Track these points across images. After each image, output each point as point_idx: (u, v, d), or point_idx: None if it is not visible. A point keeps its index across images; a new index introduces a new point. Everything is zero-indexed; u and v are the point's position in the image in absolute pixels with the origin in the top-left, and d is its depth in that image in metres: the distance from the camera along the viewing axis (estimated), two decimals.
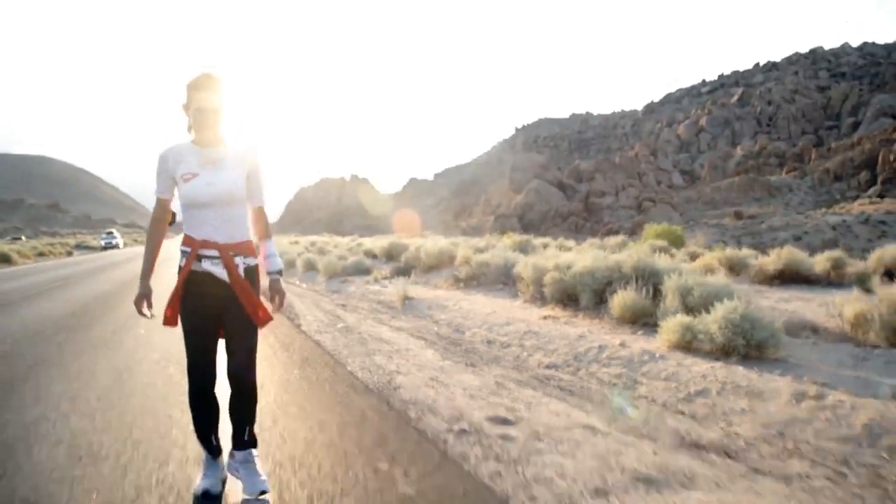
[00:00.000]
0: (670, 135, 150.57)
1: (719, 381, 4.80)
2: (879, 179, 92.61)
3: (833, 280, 11.89)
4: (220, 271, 2.83)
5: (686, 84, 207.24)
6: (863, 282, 10.01)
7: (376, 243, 22.28)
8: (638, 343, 6.19)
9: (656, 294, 7.40)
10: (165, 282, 3.01)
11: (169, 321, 2.86)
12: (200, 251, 2.83)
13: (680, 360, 5.46)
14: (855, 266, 12.75)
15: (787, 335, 6.48)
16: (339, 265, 15.85)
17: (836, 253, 13.50)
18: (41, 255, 37.95)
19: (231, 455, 3.05)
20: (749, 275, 12.73)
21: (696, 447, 3.61)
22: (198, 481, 2.96)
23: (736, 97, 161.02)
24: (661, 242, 22.60)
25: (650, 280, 7.80)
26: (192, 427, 2.99)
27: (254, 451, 3.00)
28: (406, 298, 10.70)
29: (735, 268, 13.49)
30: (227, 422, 3.03)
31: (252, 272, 2.95)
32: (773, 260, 12.38)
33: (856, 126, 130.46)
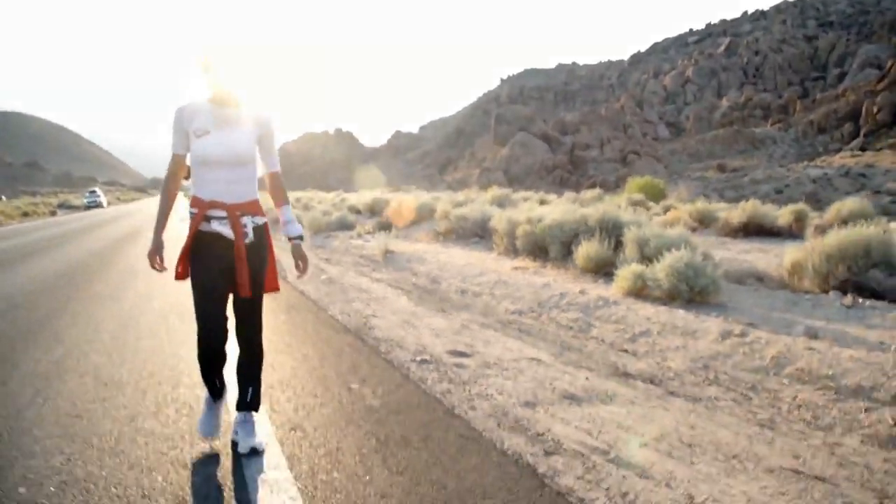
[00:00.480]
0: (656, 86, 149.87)
1: (661, 322, 5.39)
2: (862, 132, 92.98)
3: (795, 232, 12.52)
4: (227, 231, 2.87)
5: (673, 33, 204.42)
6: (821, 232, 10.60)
7: (360, 199, 22.67)
8: (596, 290, 6.76)
9: (618, 245, 7.95)
10: (173, 236, 3.11)
11: (179, 276, 2.93)
12: (209, 212, 2.87)
13: (630, 305, 6.04)
14: (817, 219, 13.39)
15: (735, 283, 7.10)
16: (323, 221, 16.29)
17: (800, 206, 14.14)
18: (25, 214, 37.84)
19: (234, 417, 3.15)
20: (717, 227, 13.34)
21: (626, 375, 4.21)
22: (199, 418, 3.17)
23: (723, 47, 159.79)
24: (638, 196, 23.17)
25: (613, 232, 8.35)
26: (197, 363, 3.07)
27: (253, 413, 3.09)
28: (387, 252, 11.20)
29: (704, 220, 14.11)
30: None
31: (261, 231, 3.00)
32: (738, 213, 12.98)
33: (842, 77, 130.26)
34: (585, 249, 7.93)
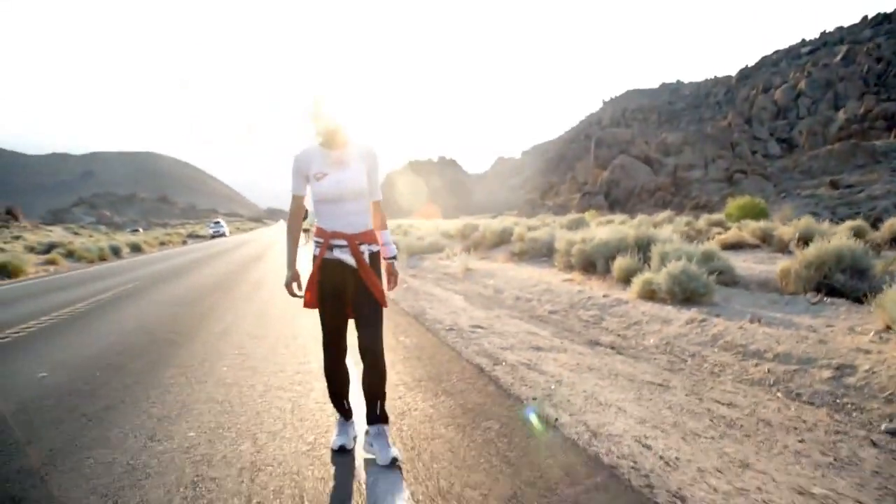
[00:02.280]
0: (766, 101, 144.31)
1: (652, 315, 7.03)
2: None
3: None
4: (348, 258, 3.17)
5: (783, 45, 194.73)
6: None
7: (453, 225, 24.86)
8: (618, 294, 8.43)
9: (648, 259, 9.53)
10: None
11: (308, 303, 3.28)
12: (332, 241, 3.19)
13: (637, 304, 7.69)
14: (871, 235, 14.18)
15: (741, 287, 8.57)
16: (417, 245, 18.54)
17: (859, 223, 14.93)
18: (162, 244, 43.32)
19: (366, 432, 3.38)
20: (773, 244, 14.38)
21: (595, 344, 5.98)
22: (333, 437, 3.48)
23: (840, 56, 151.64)
24: (736, 215, 23.95)
25: (647, 248, 9.94)
26: (326, 388, 3.47)
27: (385, 426, 3.32)
28: (466, 270, 13.18)
29: (766, 238, 15.15)
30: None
31: (375, 257, 3.31)
32: (790, 231, 14.01)
33: None
34: (619, 263, 9.58)
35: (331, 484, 2.94)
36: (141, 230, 79.06)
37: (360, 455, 3.25)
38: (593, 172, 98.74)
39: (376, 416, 3.31)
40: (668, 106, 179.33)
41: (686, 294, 7.51)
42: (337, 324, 3.30)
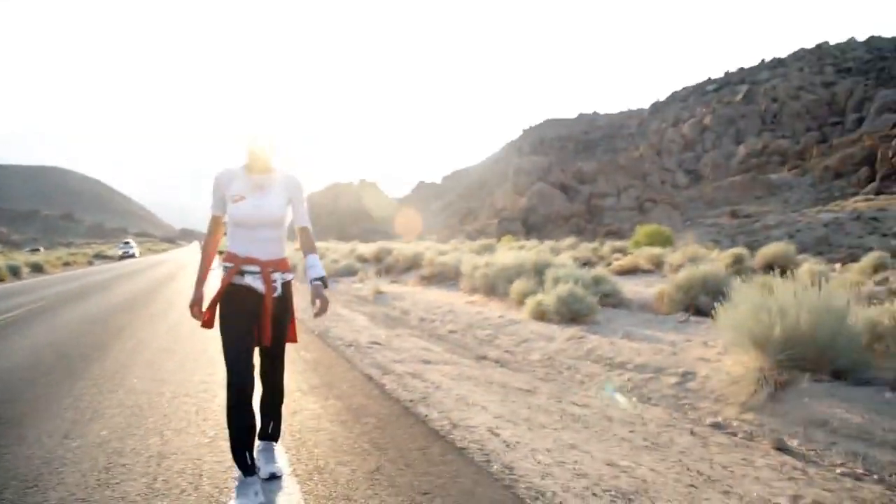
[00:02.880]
0: (675, 134, 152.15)
1: (538, 333, 7.67)
2: (878, 176, 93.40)
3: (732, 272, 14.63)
4: (259, 285, 3.11)
5: (692, 82, 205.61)
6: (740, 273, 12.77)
7: (368, 249, 25.21)
8: (512, 315, 9.07)
9: (544, 282, 10.24)
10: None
11: (206, 324, 3.17)
12: (243, 266, 3.11)
13: (528, 324, 8.33)
14: (749, 261, 15.53)
15: (623, 308, 9.36)
16: (331, 268, 18.80)
17: (740, 251, 16.31)
18: (66, 264, 41.45)
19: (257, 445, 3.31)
20: (664, 269, 15.51)
21: (483, 358, 6.54)
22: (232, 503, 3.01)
23: (741, 95, 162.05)
24: (642, 242, 25.38)
25: (543, 272, 10.65)
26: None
27: (274, 443, 3.42)
28: (377, 293, 13.58)
29: (659, 264, 16.29)
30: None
31: (287, 286, 3.26)
32: (679, 257, 15.18)
33: (860, 122, 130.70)
34: (516, 286, 10.24)
35: None
36: (41, 249, 75.04)
37: None
38: (511, 199, 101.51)
39: (268, 433, 3.35)
40: (585, 136, 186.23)
41: (572, 314, 8.20)
42: (243, 355, 3.06)
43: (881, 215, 62.62)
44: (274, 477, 3.25)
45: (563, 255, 16.01)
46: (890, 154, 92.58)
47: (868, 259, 16.22)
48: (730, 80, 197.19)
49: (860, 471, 3.42)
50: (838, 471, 3.43)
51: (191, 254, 58.99)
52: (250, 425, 3.09)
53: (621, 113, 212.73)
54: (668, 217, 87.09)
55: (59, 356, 6.76)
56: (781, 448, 3.81)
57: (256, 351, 3.17)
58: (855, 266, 16.63)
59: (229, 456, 3.15)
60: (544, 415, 4.24)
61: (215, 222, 3.30)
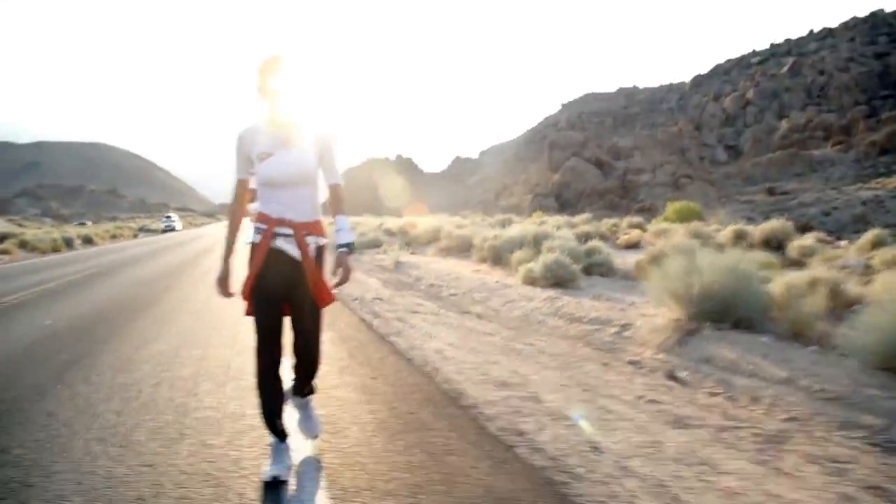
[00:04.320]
0: (716, 109, 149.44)
1: (523, 295, 8.84)
2: None
3: (726, 245, 15.53)
4: (293, 249, 2.93)
5: (735, 54, 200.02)
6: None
7: (395, 223, 26.57)
8: (508, 280, 10.25)
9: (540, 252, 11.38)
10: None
11: (247, 296, 3.04)
12: (276, 229, 2.94)
13: (519, 287, 9.50)
14: (750, 236, 16.36)
15: (606, 276, 10.48)
16: (358, 241, 20.17)
17: (742, 227, 17.13)
18: (113, 237, 44.03)
19: (289, 396, 3.31)
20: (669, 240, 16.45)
21: (467, 313, 7.79)
22: (266, 468, 3.02)
23: (786, 67, 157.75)
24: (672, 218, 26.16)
25: (541, 243, 11.79)
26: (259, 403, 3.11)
27: (311, 398, 3.36)
28: (397, 262, 14.87)
29: (660, 236, 17.24)
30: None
31: (321, 252, 3.07)
32: (683, 230, 16.11)
33: None
34: (516, 256, 11.41)
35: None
36: (89, 223, 78.47)
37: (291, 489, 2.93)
38: (546, 174, 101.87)
39: (302, 392, 3.30)
40: (624, 110, 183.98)
41: (556, 279, 9.35)
42: (272, 323, 3.02)
43: None
44: (315, 437, 3.38)
45: (572, 230, 17.06)
46: None
47: (868, 236, 16.86)
48: (775, 52, 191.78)
49: (719, 391, 4.56)
50: (703, 391, 4.57)
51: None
52: (280, 391, 3.13)
53: (661, 86, 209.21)
54: (704, 194, 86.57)
55: (122, 305, 8.43)
56: (672, 377, 4.95)
57: (288, 321, 3.10)
58: (858, 242, 17.30)
59: (250, 360, 3.43)
60: (490, 347, 5.49)
61: (241, 186, 3.12)
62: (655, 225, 22.17)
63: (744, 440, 3.42)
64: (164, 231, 60.27)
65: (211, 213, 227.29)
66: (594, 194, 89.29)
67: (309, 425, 3.34)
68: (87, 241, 35.78)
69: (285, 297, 3.02)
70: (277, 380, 3.10)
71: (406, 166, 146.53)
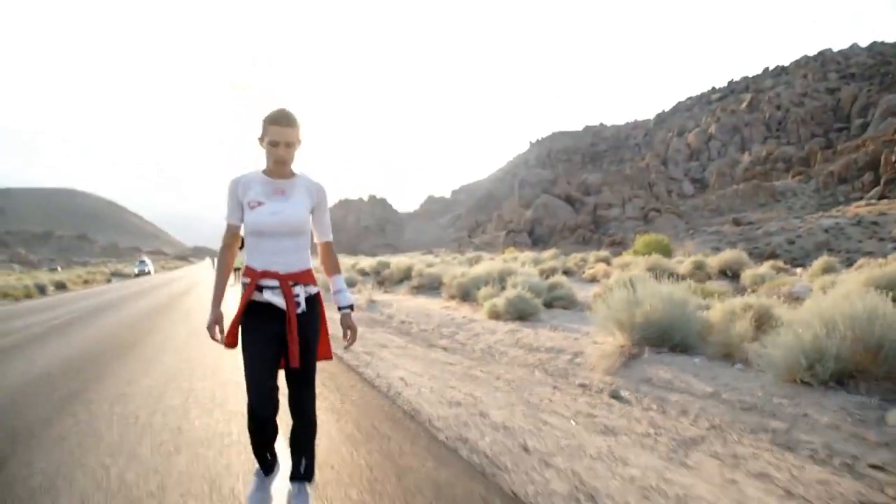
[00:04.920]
0: (681, 144, 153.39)
1: (488, 328, 9.39)
2: (882, 181, 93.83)
3: (683, 276, 16.27)
4: (279, 300, 2.89)
5: (696, 92, 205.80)
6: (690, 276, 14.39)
7: (369, 262, 27.07)
8: (475, 316, 10.79)
9: (504, 288, 11.96)
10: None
11: (228, 344, 3.00)
12: (260, 281, 2.90)
13: (484, 322, 10.05)
14: (709, 267, 17.16)
15: (567, 308, 11.07)
16: None
17: (699, 258, 17.94)
18: (86, 282, 43.74)
19: (289, 489, 3.16)
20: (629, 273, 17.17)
21: (433, 346, 8.31)
22: (249, 493, 3.12)
23: (745, 103, 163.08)
24: (603, 254, 26.99)
25: (506, 279, 12.39)
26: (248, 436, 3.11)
27: (308, 484, 3.14)
28: (370, 301, 15.35)
29: (623, 269, 17.96)
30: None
31: (313, 301, 3.04)
32: (643, 263, 16.85)
33: (865, 127, 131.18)
34: (482, 292, 11.98)
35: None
36: (59, 269, 77.52)
37: None
38: (518, 211, 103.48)
39: (300, 473, 3.11)
40: (591, 147, 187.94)
41: (519, 313, 9.93)
42: (265, 377, 2.93)
43: (882, 220, 63.37)
44: None
45: (538, 266, 17.73)
46: (893, 159, 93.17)
47: (819, 262, 17.77)
48: (734, 89, 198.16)
49: (653, 406, 5.12)
50: (639, 407, 5.13)
51: (203, 270, 61.38)
52: (272, 437, 3.13)
53: (627, 124, 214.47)
54: (673, 226, 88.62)
55: (107, 347, 8.85)
56: (614, 396, 5.50)
57: (282, 375, 3.03)
58: (810, 269, 18.20)
59: (233, 390, 4.83)
60: (450, 375, 6.02)
61: (231, 233, 3.08)
62: (624, 258, 22.92)
63: (661, 444, 3.98)
64: (138, 275, 59.65)
65: (183, 256, 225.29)
66: (566, 229, 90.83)
67: None
68: (61, 286, 35.61)
69: (277, 348, 2.95)
70: (270, 427, 3.07)
71: (379, 205, 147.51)
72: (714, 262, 16.71)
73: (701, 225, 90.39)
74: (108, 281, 48.24)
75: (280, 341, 2.92)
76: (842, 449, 3.78)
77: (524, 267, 14.30)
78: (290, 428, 3.10)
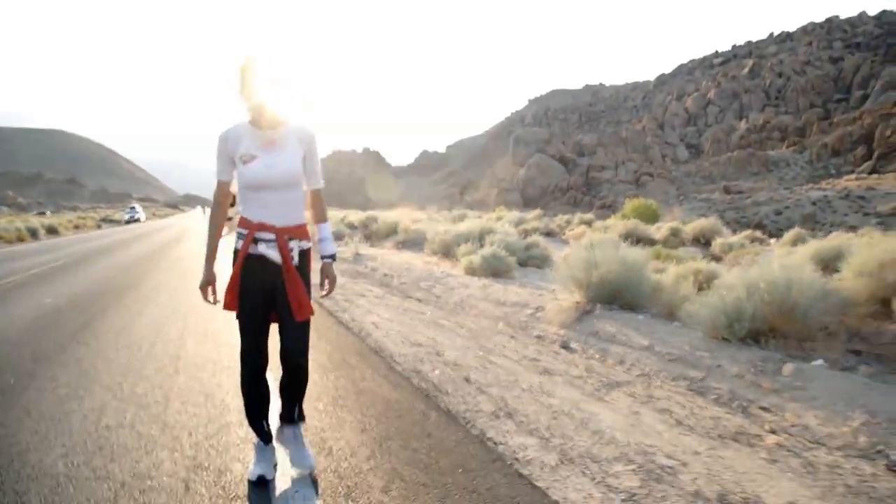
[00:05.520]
0: (679, 108, 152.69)
1: (463, 283, 10.02)
2: (874, 155, 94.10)
3: (660, 241, 16.94)
4: (274, 254, 2.88)
5: (699, 54, 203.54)
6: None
7: (358, 217, 27.58)
8: (453, 271, 11.41)
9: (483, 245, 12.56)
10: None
11: (229, 305, 2.99)
12: (257, 234, 2.88)
13: (461, 277, 10.67)
14: (684, 234, 17.82)
15: (541, 267, 11.70)
16: None
17: (676, 224, 18.58)
18: (76, 227, 44.09)
19: (279, 429, 3.23)
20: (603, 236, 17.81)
21: (409, 297, 8.94)
22: (251, 466, 3.12)
23: (747, 69, 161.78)
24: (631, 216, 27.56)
25: (485, 238, 12.99)
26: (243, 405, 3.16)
27: (301, 425, 3.21)
28: (356, 254, 15.93)
29: (604, 232, 18.58)
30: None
31: (305, 256, 3.04)
32: (621, 227, 17.48)
33: (865, 99, 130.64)
34: (462, 249, 12.57)
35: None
36: (48, 213, 77.34)
37: (280, 485, 3.07)
38: (511, 170, 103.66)
39: (292, 417, 3.17)
40: (589, 107, 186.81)
41: (493, 270, 10.55)
42: (258, 329, 3.00)
43: (869, 194, 64.01)
44: (311, 470, 3.14)
45: (522, 227, 18.33)
46: (888, 133, 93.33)
47: (790, 234, 18.46)
48: (737, 54, 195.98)
49: (596, 355, 5.77)
50: (584, 356, 5.78)
51: (193, 219, 61.78)
52: (265, 395, 3.15)
53: (627, 85, 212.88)
54: (664, 191, 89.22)
55: (107, 287, 9.54)
56: (564, 346, 6.15)
57: (275, 326, 3.04)
58: (782, 240, 18.90)
59: (224, 326, 5.44)
60: (419, 322, 6.66)
61: (222, 189, 3.04)
62: (607, 222, 23.53)
63: (588, 384, 4.64)
64: (128, 222, 59.56)
65: (174, 204, 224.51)
66: (558, 190, 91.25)
67: (302, 457, 3.17)
68: (52, 231, 35.98)
69: (271, 303, 2.97)
70: (263, 384, 3.13)
71: (373, 159, 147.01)
72: (689, 229, 17.35)
73: (692, 191, 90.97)
74: (99, 227, 48.52)
75: (271, 295, 2.95)
76: (742, 394, 4.44)
77: (505, 227, 14.91)
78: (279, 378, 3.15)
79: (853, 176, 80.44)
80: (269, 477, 3.06)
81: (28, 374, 4.93)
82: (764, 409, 4.17)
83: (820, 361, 4.76)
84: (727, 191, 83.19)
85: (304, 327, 3.03)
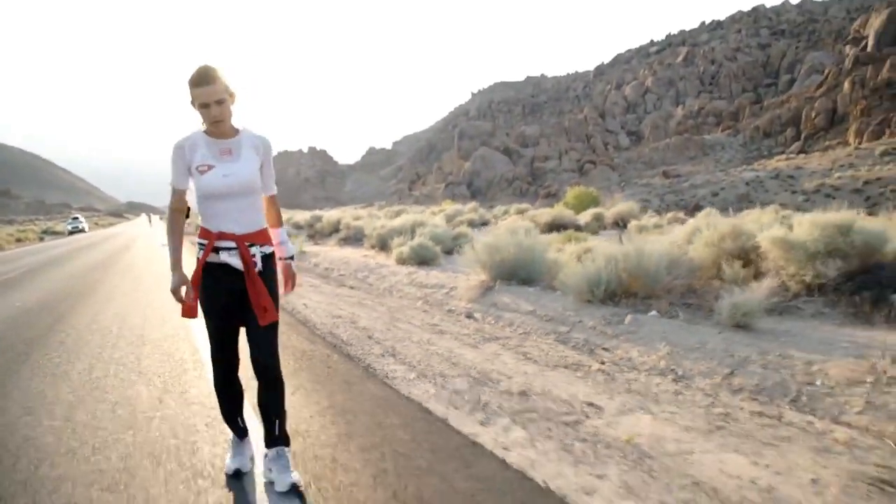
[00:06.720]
0: (618, 96, 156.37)
1: (393, 272, 11.18)
2: (802, 136, 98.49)
3: (583, 226, 18.38)
4: (236, 262, 2.91)
5: (636, 44, 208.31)
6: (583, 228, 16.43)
7: (303, 216, 28.43)
8: (387, 262, 12.55)
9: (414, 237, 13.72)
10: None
11: (187, 313, 2.98)
12: (217, 243, 2.91)
13: (393, 267, 11.82)
14: (605, 218, 19.32)
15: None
16: None
17: (600, 210, 20.08)
18: (18, 240, 43.26)
19: (264, 455, 3.16)
20: (538, 224, 19.19)
21: (343, 286, 10.08)
22: (228, 461, 3.23)
23: (681, 57, 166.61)
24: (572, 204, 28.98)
25: (417, 229, 14.16)
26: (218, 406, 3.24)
27: (286, 448, 3.11)
28: (300, 252, 16.91)
29: (534, 220, 19.96)
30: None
31: (269, 260, 3.06)
32: (546, 215, 18.85)
33: (792, 83, 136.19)
34: (395, 242, 13.72)
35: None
36: None
37: (259, 478, 3.13)
38: (457, 163, 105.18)
39: (275, 437, 3.10)
40: (532, 99, 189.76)
41: (420, 259, 11.73)
42: (226, 334, 3.05)
43: (797, 173, 67.38)
44: (295, 487, 2.99)
45: (457, 219, 19.58)
46: (813, 115, 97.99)
47: (702, 214, 20.14)
48: (671, 42, 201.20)
49: (490, 321, 6.99)
50: (481, 323, 7.00)
51: (140, 227, 60.89)
52: (238, 393, 3.21)
53: (568, 75, 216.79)
54: (607, 178, 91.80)
55: (67, 293, 10.42)
56: (468, 316, 7.37)
57: (244, 333, 3.04)
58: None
59: (178, 318, 6.44)
60: (345, 303, 7.81)
61: (178, 198, 3.03)
62: (538, 211, 24.93)
63: (471, 339, 5.89)
64: (72, 233, 57.90)
65: (117, 213, 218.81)
66: (503, 181, 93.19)
67: (283, 477, 3.01)
68: None
69: (237, 310, 2.99)
70: (235, 384, 3.19)
71: (320, 157, 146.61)
72: (609, 213, 18.86)
73: (633, 177, 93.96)
74: (41, 239, 47.50)
75: (238, 302, 2.96)
76: (593, 341, 5.73)
77: (436, 220, 16.14)
78: (256, 393, 3.11)
79: (783, 156, 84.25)
80: (244, 470, 3.20)
81: (24, 353, 6.08)
82: (605, 349, 5.47)
83: (654, 313, 6.10)
84: (666, 175, 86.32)
85: (271, 331, 3.02)
